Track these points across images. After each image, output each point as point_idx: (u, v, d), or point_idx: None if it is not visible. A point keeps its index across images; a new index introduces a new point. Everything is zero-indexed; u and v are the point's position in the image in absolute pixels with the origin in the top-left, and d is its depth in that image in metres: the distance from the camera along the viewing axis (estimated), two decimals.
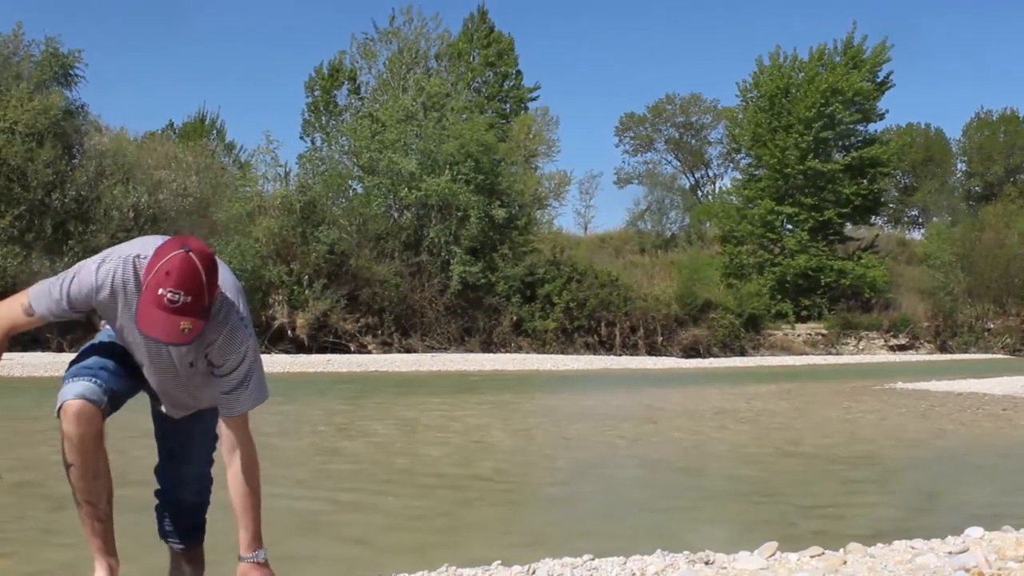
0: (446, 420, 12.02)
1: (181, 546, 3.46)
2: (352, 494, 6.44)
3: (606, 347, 37.61)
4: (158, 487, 3.46)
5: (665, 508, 6.25)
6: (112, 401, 3.04)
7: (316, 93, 48.90)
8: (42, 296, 3.01)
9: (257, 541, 3.11)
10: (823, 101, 46.42)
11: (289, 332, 32.07)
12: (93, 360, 3.08)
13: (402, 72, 41.89)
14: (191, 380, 3.13)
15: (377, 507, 6.00)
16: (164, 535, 3.48)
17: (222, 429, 3.13)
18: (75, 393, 2.93)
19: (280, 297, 32.14)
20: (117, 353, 3.13)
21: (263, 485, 3.14)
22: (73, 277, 3.00)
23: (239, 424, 3.11)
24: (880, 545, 4.29)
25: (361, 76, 46.65)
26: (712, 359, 37.00)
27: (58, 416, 2.96)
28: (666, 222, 63.73)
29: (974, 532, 4.38)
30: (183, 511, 3.44)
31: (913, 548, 4.16)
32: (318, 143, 45.31)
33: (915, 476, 8.17)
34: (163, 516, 3.46)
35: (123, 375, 3.11)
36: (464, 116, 38.69)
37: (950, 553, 3.97)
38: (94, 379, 2.99)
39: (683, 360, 35.43)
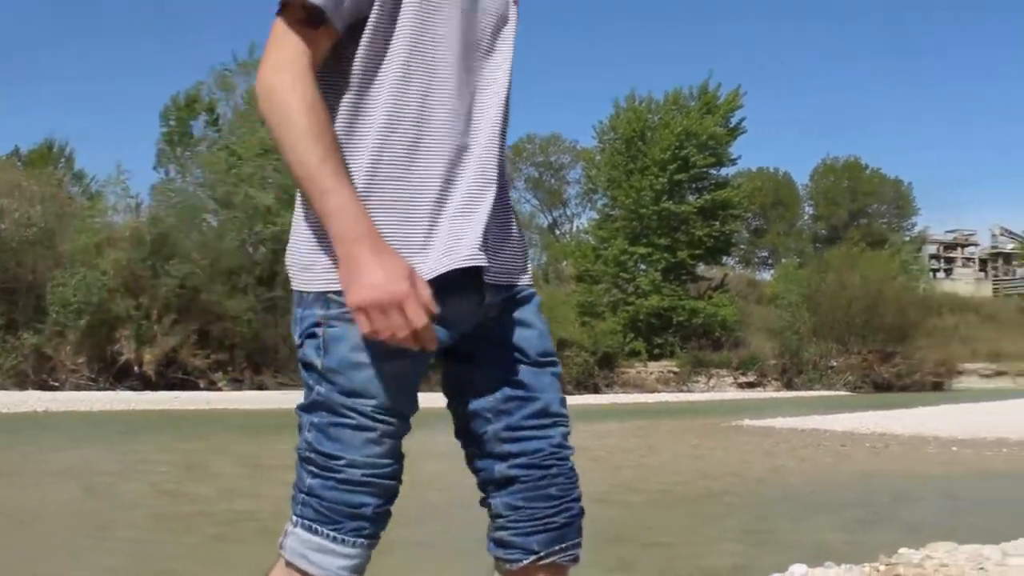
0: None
1: (575, 552, 1.88)
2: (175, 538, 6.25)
3: None
4: (515, 466, 1.84)
5: None
6: None
7: (172, 123, 47.66)
8: None
9: None
10: (678, 144, 47.57)
11: (136, 368, 31.09)
12: (374, 492, 1.76)
13: None
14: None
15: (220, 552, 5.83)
16: (544, 547, 1.83)
17: None
18: None
19: (127, 332, 31.11)
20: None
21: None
22: None
23: None
24: None
25: (219, 108, 45.84)
26: (566, 396, 37.32)
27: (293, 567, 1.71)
28: None
29: (798, 569, 4.50)
30: (572, 481, 1.91)
31: None
32: (172, 175, 44.25)
33: (752, 513, 8.36)
34: (538, 510, 1.83)
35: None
36: None
37: None
38: (371, 542, 1.77)
39: None
